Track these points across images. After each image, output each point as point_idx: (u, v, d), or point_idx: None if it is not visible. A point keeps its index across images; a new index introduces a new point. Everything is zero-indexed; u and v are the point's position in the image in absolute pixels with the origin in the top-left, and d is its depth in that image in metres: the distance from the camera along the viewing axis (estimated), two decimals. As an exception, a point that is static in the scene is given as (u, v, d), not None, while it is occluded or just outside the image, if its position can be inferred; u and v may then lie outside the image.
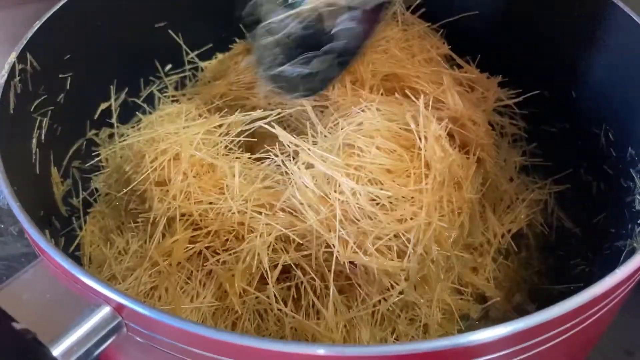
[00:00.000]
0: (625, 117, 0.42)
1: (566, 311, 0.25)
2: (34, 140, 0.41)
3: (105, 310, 0.26)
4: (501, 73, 0.53)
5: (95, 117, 0.48)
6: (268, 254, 0.37)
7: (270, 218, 0.37)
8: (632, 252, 0.37)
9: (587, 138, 0.46)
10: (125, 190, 0.43)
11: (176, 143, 0.41)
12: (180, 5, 0.51)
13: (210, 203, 0.39)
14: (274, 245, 0.37)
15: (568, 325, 0.27)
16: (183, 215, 0.40)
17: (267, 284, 0.37)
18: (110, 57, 0.48)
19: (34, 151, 0.41)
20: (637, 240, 0.37)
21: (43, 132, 0.42)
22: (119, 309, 0.26)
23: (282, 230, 0.37)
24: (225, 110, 0.46)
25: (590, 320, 0.28)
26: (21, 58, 0.39)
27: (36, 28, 0.41)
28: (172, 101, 0.53)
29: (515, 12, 0.50)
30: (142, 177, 0.41)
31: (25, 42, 0.40)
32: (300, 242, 0.37)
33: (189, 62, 0.54)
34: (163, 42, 0.52)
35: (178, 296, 0.38)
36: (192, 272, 0.39)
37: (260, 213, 0.38)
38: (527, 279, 0.44)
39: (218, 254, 0.39)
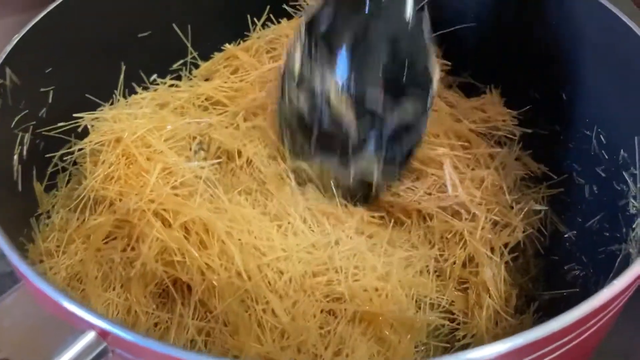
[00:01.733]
0: (616, 119, 0.42)
1: (566, 325, 0.25)
2: (16, 157, 0.40)
3: (90, 335, 0.25)
4: (488, 74, 0.53)
5: (80, 130, 0.47)
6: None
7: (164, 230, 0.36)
8: (627, 257, 0.37)
9: (578, 140, 0.45)
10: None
11: (121, 127, 0.41)
12: (164, 15, 0.50)
13: (121, 194, 0.38)
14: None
15: (567, 338, 0.26)
16: (104, 199, 0.39)
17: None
18: (93, 68, 0.47)
19: (15, 168, 0.40)
20: (632, 245, 0.37)
21: (25, 147, 0.41)
22: (103, 334, 0.25)
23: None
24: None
25: (589, 332, 0.27)
26: (0, 73, 0.38)
27: (15, 42, 0.40)
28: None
29: (503, 14, 0.50)
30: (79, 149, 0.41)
31: (4, 56, 0.39)
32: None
33: (171, 72, 0.53)
34: (147, 52, 0.51)
35: (93, 285, 0.37)
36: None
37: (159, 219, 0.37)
38: (523, 285, 0.43)
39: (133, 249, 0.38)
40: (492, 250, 0.42)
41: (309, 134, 0.41)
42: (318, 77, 0.39)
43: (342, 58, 0.39)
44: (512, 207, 0.45)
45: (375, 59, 0.38)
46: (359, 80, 0.38)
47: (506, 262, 0.43)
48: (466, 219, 0.42)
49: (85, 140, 0.43)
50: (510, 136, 0.48)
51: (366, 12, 0.38)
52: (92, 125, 0.45)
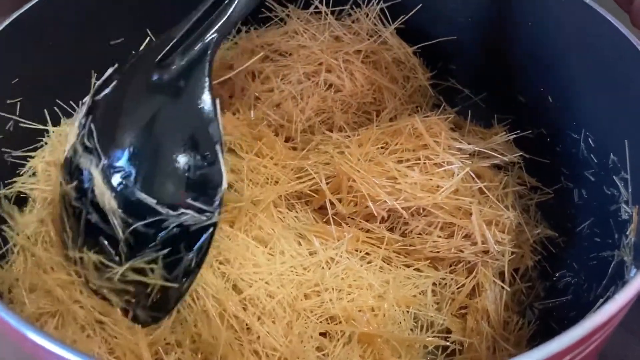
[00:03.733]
0: (605, 122, 0.41)
1: (566, 345, 0.24)
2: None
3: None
4: (474, 79, 0.52)
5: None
6: None
7: None
8: (620, 264, 0.36)
9: (566, 144, 0.45)
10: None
11: None
12: (137, 21, 0.48)
13: None
14: None
15: (568, 357, 0.25)
16: None
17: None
18: (63, 76, 0.45)
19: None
20: (625, 252, 0.36)
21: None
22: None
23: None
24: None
25: (589, 348, 0.26)
26: (-38, 87, 0.36)
27: (-23, 52, 0.38)
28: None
29: (489, 15, 0.49)
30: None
31: (-34, 69, 0.37)
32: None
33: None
34: (120, 59, 0.49)
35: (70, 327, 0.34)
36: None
37: None
38: (513, 298, 0.42)
39: None
40: (501, 276, 0.41)
41: (77, 225, 0.35)
42: (82, 161, 0.34)
43: (111, 148, 0.34)
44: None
45: (152, 154, 0.33)
46: (128, 178, 0.33)
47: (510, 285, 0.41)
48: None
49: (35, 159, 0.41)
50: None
51: (151, 80, 0.35)
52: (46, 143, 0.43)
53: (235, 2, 0.36)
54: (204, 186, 0.33)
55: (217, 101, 0.34)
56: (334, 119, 0.47)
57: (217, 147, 0.33)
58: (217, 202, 0.33)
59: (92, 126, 0.35)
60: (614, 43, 0.39)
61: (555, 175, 0.46)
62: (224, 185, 0.33)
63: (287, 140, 0.46)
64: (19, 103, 0.42)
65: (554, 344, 0.23)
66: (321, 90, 0.47)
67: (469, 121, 0.49)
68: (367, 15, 0.51)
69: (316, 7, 0.51)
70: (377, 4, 0.51)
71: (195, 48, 0.35)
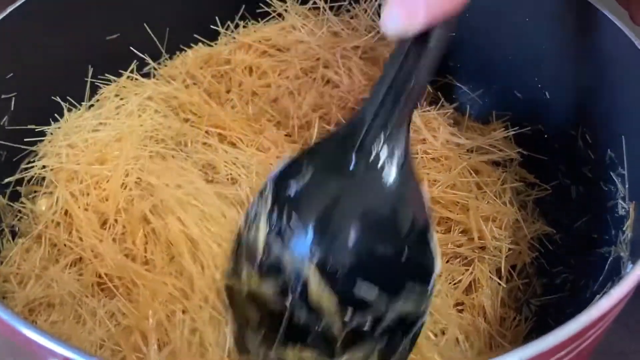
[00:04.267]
0: (602, 118, 0.41)
1: (563, 339, 0.24)
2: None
3: (54, 365, 0.23)
4: (470, 75, 0.52)
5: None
6: None
7: None
8: (617, 260, 0.36)
9: (563, 140, 0.44)
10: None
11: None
12: (133, 17, 0.48)
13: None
14: None
15: (564, 351, 0.25)
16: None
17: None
18: (59, 71, 0.45)
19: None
20: (622, 247, 0.36)
21: (-16, 158, 0.39)
22: (67, 363, 0.23)
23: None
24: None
25: (586, 343, 0.26)
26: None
27: (-29, 46, 0.38)
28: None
29: (486, 11, 0.49)
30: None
31: (-41, 62, 0.37)
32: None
33: (143, 76, 0.50)
34: (116, 54, 0.49)
35: (71, 324, 0.34)
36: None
37: None
38: (510, 294, 0.42)
39: None
40: (498, 272, 0.41)
41: (275, 327, 0.32)
42: (288, 256, 0.31)
43: (321, 235, 0.31)
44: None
45: (366, 242, 0.31)
46: (344, 266, 0.31)
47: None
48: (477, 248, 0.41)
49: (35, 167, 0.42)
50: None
51: (349, 169, 0.32)
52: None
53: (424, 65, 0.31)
54: (418, 270, 0.32)
55: (425, 187, 0.33)
56: (332, 115, 0.46)
57: (427, 232, 0.32)
58: (430, 286, 0.31)
59: (293, 220, 0.32)
60: (612, 39, 0.39)
61: (553, 172, 0.46)
62: (437, 269, 0.32)
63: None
64: (13, 98, 0.41)
65: (550, 337, 0.23)
66: (319, 86, 0.47)
67: (467, 117, 0.49)
68: (366, 11, 0.51)
69: (314, 3, 0.51)
70: (376, 0, 0.50)
71: (390, 125, 0.32)
